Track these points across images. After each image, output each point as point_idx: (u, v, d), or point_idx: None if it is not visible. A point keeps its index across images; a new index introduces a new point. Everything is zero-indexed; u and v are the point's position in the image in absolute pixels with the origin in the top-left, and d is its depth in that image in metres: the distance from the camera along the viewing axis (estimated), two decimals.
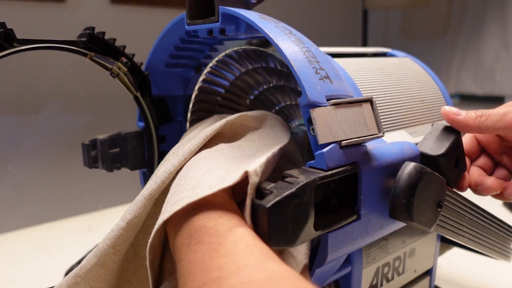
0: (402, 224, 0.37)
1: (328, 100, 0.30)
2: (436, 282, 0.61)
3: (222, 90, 0.48)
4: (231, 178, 0.27)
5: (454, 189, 0.39)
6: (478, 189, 0.40)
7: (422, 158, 0.38)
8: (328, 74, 0.32)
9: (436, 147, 0.38)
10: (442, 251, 0.71)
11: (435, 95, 0.47)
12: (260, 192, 0.27)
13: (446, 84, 2.48)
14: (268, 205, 0.25)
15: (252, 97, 0.48)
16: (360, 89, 0.39)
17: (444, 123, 0.42)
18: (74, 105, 1.38)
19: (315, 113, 0.29)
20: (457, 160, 0.40)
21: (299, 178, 0.28)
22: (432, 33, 2.55)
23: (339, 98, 0.31)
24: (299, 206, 0.26)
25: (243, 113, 0.38)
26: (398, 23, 2.67)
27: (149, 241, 0.29)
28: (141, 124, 0.48)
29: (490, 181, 0.39)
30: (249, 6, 0.37)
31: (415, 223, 0.33)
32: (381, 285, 0.44)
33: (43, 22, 1.60)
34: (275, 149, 0.33)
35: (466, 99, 2.42)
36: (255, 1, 0.37)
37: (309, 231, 0.28)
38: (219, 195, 0.29)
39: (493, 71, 2.27)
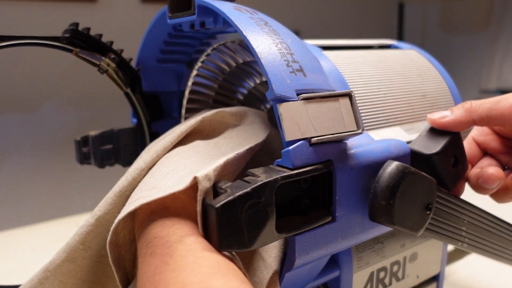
0: (389, 228, 0.34)
1: (298, 94, 0.29)
2: None
3: (215, 85, 0.47)
4: (184, 182, 0.26)
5: (450, 191, 0.36)
6: (479, 183, 0.36)
7: (415, 157, 0.36)
8: (302, 67, 0.30)
9: (431, 145, 0.35)
10: (460, 255, 0.67)
11: (440, 90, 0.44)
12: (216, 192, 0.26)
13: (487, 80, 2.35)
14: (218, 205, 0.24)
15: (245, 91, 0.46)
16: (349, 83, 0.37)
17: None
18: (71, 102, 1.41)
19: (282, 108, 0.28)
20: (455, 159, 0.37)
21: (260, 177, 0.26)
22: (472, 27, 2.43)
23: (313, 92, 0.29)
24: (255, 206, 0.25)
25: (221, 109, 0.36)
26: (436, 17, 2.56)
27: (108, 238, 0.28)
28: (135, 120, 0.47)
29: (492, 170, 0.35)
30: None
31: (398, 227, 0.30)
32: None
33: (76, 21, 1.65)
34: (242, 149, 0.31)
35: None
36: None
37: (270, 234, 0.26)
38: (180, 198, 0.28)
39: None
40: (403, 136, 0.37)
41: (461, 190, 0.37)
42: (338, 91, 0.30)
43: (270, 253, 0.31)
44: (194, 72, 0.45)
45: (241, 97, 0.47)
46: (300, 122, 0.28)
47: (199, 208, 0.25)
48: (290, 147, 0.27)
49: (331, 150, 0.29)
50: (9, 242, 0.75)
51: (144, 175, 0.33)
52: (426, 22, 2.61)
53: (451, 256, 0.67)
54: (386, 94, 0.39)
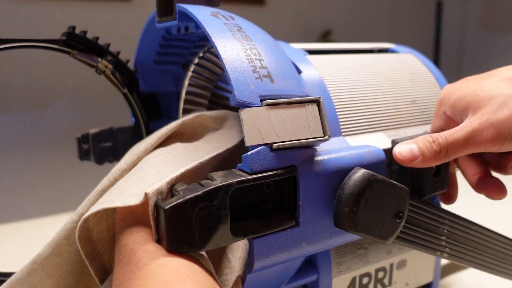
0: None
1: (262, 100, 0.29)
2: None
3: (210, 86, 0.48)
4: (139, 197, 0.27)
5: (426, 199, 0.35)
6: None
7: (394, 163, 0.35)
8: (271, 73, 0.31)
9: None
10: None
11: (433, 96, 0.43)
12: (172, 194, 0.27)
13: None
14: (167, 207, 0.25)
15: None
16: (331, 88, 0.37)
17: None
18: (73, 102, 1.46)
19: (243, 114, 0.28)
20: (437, 168, 0.36)
21: (216, 181, 0.27)
22: None
23: (278, 98, 0.30)
24: (207, 209, 0.26)
25: (202, 113, 0.37)
26: (477, 14, 2.46)
27: (76, 233, 0.30)
28: (134, 119, 0.49)
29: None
30: (212, 3, 0.37)
31: (363, 234, 0.30)
32: None
33: (111, 21, 1.71)
34: (207, 157, 0.32)
35: None
36: None
37: (225, 236, 0.27)
38: (146, 203, 0.29)
39: None
40: (386, 142, 0.37)
41: (452, 199, 0.36)
42: (305, 98, 0.31)
43: (235, 255, 0.31)
44: (189, 74, 0.47)
45: None
46: (262, 127, 0.28)
47: (152, 222, 0.26)
48: (249, 152, 0.28)
49: (295, 156, 0.30)
50: (8, 235, 0.77)
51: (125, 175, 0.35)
52: (466, 21, 2.51)
53: (456, 265, 0.65)
54: (371, 99, 0.39)
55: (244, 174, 0.28)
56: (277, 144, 0.29)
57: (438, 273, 0.48)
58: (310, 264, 0.39)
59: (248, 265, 0.30)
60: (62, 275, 0.35)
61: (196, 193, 0.25)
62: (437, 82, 0.44)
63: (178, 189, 0.26)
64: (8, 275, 0.41)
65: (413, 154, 0.32)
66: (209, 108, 0.49)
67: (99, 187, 0.34)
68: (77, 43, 0.42)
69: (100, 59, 0.43)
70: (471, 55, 2.53)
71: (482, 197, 0.37)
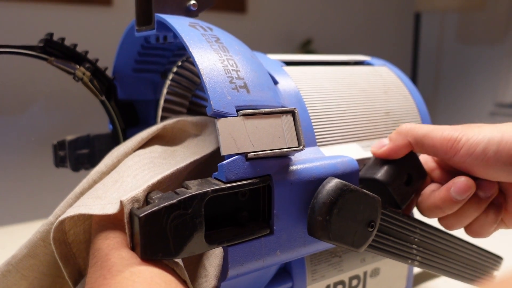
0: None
1: (238, 110, 0.30)
2: None
3: (189, 95, 0.48)
4: (115, 205, 0.27)
5: (401, 209, 0.36)
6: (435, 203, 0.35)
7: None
8: (247, 84, 0.31)
9: (376, 168, 0.36)
10: None
11: (406, 108, 0.44)
12: (147, 202, 0.27)
13: (503, 93, 2.31)
14: (141, 214, 0.25)
15: None
16: (307, 99, 0.38)
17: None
18: (52, 109, 1.45)
19: (220, 124, 0.29)
20: (409, 177, 0.37)
21: (191, 189, 0.27)
22: (490, 38, 2.39)
23: (255, 109, 0.30)
24: (182, 217, 0.26)
25: (183, 118, 0.38)
26: (454, 27, 2.53)
27: (51, 234, 0.30)
28: (112, 126, 0.49)
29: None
30: (190, 14, 0.37)
31: (336, 243, 0.31)
32: None
33: (91, 26, 1.70)
34: (183, 163, 0.33)
35: None
36: (195, 9, 0.37)
37: (199, 244, 0.27)
38: (122, 209, 0.29)
39: None
40: (359, 152, 0.38)
41: (410, 209, 0.37)
42: (281, 108, 0.31)
43: (212, 262, 0.32)
44: (168, 82, 0.47)
45: None
46: (237, 137, 0.29)
47: (127, 230, 0.26)
48: (224, 162, 0.28)
49: (270, 165, 0.30)
50: None
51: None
52: (443, 33, 2.58)
53: (430, 273, 0.66)
54: (345, 110, 0.40)
55: (220, 182, 0.28)
56: (252, 153, 0.29)
57: (411, 281, 0.49)
58: (285, 272, 0.39)
59: (223, 272, 0.30)
60: (38, 277, 0.35)
61: (171, 202, 0.26)
62: (410, 94, 0.46)
63: (153, 197, 0.27)
64: None
65: (382, 143, 0.35)
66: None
67: (77, 189, 0.34)
68: (55, 50, 0.42)
69: (78, 66, 0.43)
70: (448, 66, 2.60)
71: None
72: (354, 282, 0.43)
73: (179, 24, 0.33)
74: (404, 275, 0.48)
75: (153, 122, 0.51)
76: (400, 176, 0.36)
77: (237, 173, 0.29)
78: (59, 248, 0.31)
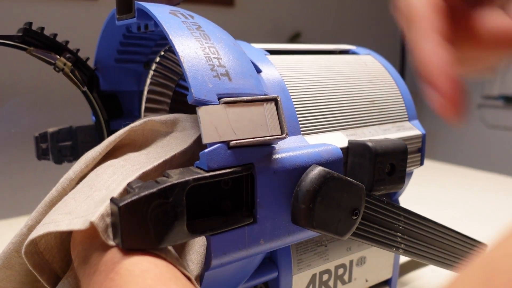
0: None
1: (220, 98, 0.29)
2: None
3: (173, 85, 0.47)
4: (84, 221, 0.26)
5: (381, 195, 0.36)
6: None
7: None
8: (228, 71, 0.31)
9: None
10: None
11: (392, 96, 0.44)
12: (127, 191, 0.27)
13: (490, 86, 2.33)
14: (121, 204, 0.24)
15: None
16: (290, 88, 0.38)
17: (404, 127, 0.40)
18: (32, 101, 1.43)
19: (201, 112, 0.28)
20: (392, 167, 0.38)
21: (172, 178, 0.27)
22: None
23: (236, 97, 0.30)
24: (162, 206, 0.26)
25: (151, 118, 0.37)
26: None
27: (22, 250, 0.29)
28: (94, 118, 0.48)
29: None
30: (171, 2, 0.37)
31: (320, 230, 0.31)
32: None
33: (76, 20, 1.67)
34: (150, 166, 0.32)
35: (511, 101, 2.27)
36: None
37: (180, 233, 0.27)
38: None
39: None
40: (343, 141, 0.38)
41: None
42: (263, 96, 0.31)
43: (194, 260, 0.31)
44: (151, 73, 0.46)
45: None
46: (219, 125, 0.29)
47: (109, 242, 0.26)
48: (206, 150, 0.28)
49: (253, 154, 0.30)
50: None
51: (74, 185, 0.34)
52: None
53: (417, 262, 0.67)
54: (330, 98, 0.40)
55: (201, 171, 0.28)
56: (234, 141, 0.29)
57: (397, 270, 0.49)
58: (270, 261, 0.39)
59: (206, 262, 0.30)
60: (17, 286, 0.35)
61: (151, 190, 0.25)
62: (395, 83, 0.46)
63: (134, 186, 0.26)
64: None
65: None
66: (172, 106, 0.49)
67: (47, 198, 0.34)
68: (34, 40, 0.41)
69: (59, 57, 0.43)
70: None
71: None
72: (340, 271, 0.43)
73: (159, 11, 0.33)
74: (390, 263, 0.48)
75: (137, 113, 0.51)
76: (382, 165, 0.36)
77: (219, 162, 0.28)
78: (32, 259, 0.31)
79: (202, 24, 0.34)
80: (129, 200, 0.25)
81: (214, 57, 0.31)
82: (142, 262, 0.25)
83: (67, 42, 0.43)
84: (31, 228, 0.33)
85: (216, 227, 0.29)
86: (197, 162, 0.29)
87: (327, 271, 0.42)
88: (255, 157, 0.30)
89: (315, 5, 2.28)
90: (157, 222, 0.26)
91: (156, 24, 0.35)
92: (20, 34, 0.40)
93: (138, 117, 0.51)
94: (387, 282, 0.49)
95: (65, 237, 0.34)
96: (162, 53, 0.43)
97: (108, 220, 0.26)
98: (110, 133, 0.48)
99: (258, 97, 0.31)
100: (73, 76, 0.44)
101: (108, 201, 0.26)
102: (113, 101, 0.48)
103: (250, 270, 0.36)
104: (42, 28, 0.41)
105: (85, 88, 0.45)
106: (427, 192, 0.95)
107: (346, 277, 0.44)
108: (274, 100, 0.31)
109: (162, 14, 0.32)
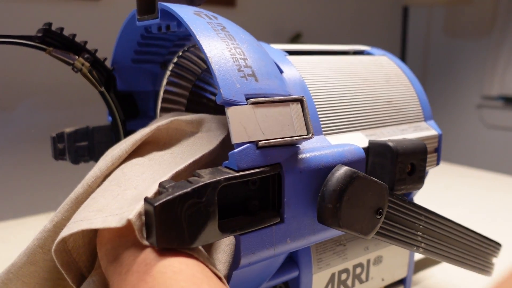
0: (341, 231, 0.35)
1: (248, 98, 0.29)
2: None
3: (189, 85, 0.48)
4: (120, 218, 0.27)
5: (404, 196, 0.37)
6: None
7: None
8: (255, 72, 0.31)
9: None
10: (437, 261, 0.67)
11: (408, 97, 0.45)
12: (160, 191, 0.27)
13: (489, 86, 2.34)
14: (157, 203, 0.25)
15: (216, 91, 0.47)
16: (311, 88, 0.38)
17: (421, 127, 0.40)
18: (46, 102, 1.43)
19: (230, 112, 0.29)
20: (412, 167, 0.38)
21: (204, 178, 0.27)
22: (476, 32, 2.42)
23: (263, 97, 0.30)
24: (196, 206, 0.26)
25: (177, 117, 0.37)
26: (441, 21, 2.55)
27: (53, 248, 0.30)
28: (111, 118, 0.48)
29: None
30: (194, 3, 0.37)
31: (345, 230, 0.31)
32: None
33: (78, 20, 1.67)
34: (183, 165, 0.32)
35: (510, 102, 2.28)
36: None
37: (212, 232, 0.27)
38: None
39: None
40: (363, 141, 0.38)
41: None
42: (289, 97, 0.31)
43: (221, 259, 0.31)
44: (168, 73, 0.46)
45: (212, 97, 0.47)
46: (248, 125, 0.29)
47: (144, 242, 0.26)
48: (236, 150, 0.28)
49: (280, 154, 0.30)
50: None
51: (100, 183, 0.34)
52: (430, 26, 2.60)
53: (428, 261, 0.67)
54: (349, 99, 0.40)
55: (231, 171, 0.28)
56: (263, 141, 0.29)
57: (412, 269, 0.50)
58: (291, 261, 0.39)
59: (234, 261, 0.30)
60: (39, 282, 0.35)
61: (185, 190, 0.25)
62: (411, 83, 0.46)
63: (166, 186, 0.26)
64: None
65: None
66: (188, 107, 0.49)
67: (73, 195, 0.34)
68: (53, 40, 0.41)
69: (77, 57, 0.43)
70: (436, 60, 2.62)
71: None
72: (358, 270, 0.44)
73: (184, 12, 0.33)
74: (406, 263, 0.48)
75: (152, 113, 0.51)
76: (403, 165, 0.37)
77: (248, 162, 0.28)
78: (60, 257, 0.31)
79: (226, 25, 0.34)
80: (164, 200, 0.25)
81: (240, 58, 0.31)
82: (174, 263, 0.25)
83: (85, 42, 0.43)
84: (56, 225, 0.33)
85: (245, 226, 0.29)
86: (226, 162, 0.29)
87: (346, 270, 0.43)
88: (282, 157, 0.30)
89: (316, 6, 2.28)
90: (190, 222, 0.26)
91: (179, 25, 0.35)
92: (40, 34, 0.40)
93: (153, 117, 0.51)
94: (402, 281, 0.49)
95: (92, 236, 0.34)
96: (180, 53, 0.44)
97: (144, 218, 0.26)
98: (126, 133, 0.48)
99: (284, 97, 0.31)
100: (91, 76, 0.44)
101: (141, 203, 0.26)
102: (129, 101, 0.48)
103: (274, 269, 0.36)
104: (62, 29, 0.41)
105: (102, 88, 0.45)
106: (427, 191, 0.96)
107: (363, 276, 0.44)
108: (300, 101, 0.31)
109: (187, 15, 0.32)
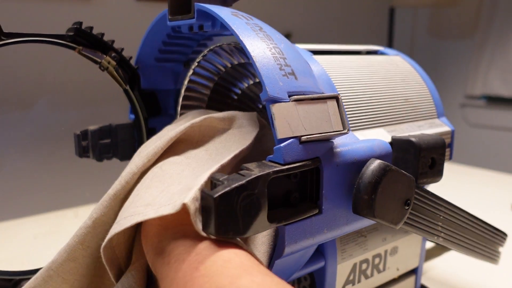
0: (371, 221, 0.37)
1: (290, 96, 0.31)
2: (428, 282, 0.61)
3: (211, 84, 0.49)
4: (174, 205, 0.28)
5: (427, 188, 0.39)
6: None
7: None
8: (294, 71, 0.33)
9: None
10: (439, 252, 0.70)
11: (422, 95, 0.47)
12: (213, 183, 0.28)
13: (472, 86, 2.41)
14: (216, 195, 0.26)
15: (239, 91, 0.49)
16: (337, 86, 0.40)
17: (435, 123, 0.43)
18: (65, 100, 1.44)
19: (275, 109, 0.30)
20: (433, 161, 0.40)
21: (254, 171, 0.29)
22: (460, 33, 2.48)
23: (303, 95, 0.32)
24: (250, 197, 0.27)
25: (210, 115, 0.38)
26: (426, 22, 2.61)
27: (103, 245, 0.31)
28: (132, 116, 0.49)
29: None
30: (226, 3, 0.38)
31: (378, 220, 0.33)
32: (359, 281, 0.44)
33: (70, 20, 1.66)
34: (226, 159, 0.34)
35: (492, 101, 2.35)
36: None
37: (263, 223, 0.29)
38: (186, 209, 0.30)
39: None
40: (386, 137, 0.40)
41: None
42: (326, 94, 0.33)
43: (260, 249, 0.33)
44: (191, 72, 0.48)
45: (235, 96, 0.49)
46: (291, 121, 0.30)
47: (197, 228, 0.27)
48: (282, 144, 0.30)
49: (319, 148, 0.32)
50: (13, 231, 0.79)
51: (137, 179, 0.35)
52: (415, 27, 2.66)
53: (430, 253, 0.70)
54: (371, 97, 0.42)
55: (277, 165, 0.30)
56: (305, 136, 0.31)
57: (423, 259, 0.52)
58: (317, 252, 0.41)
59: (279, 250, 0.32)
60: (77, 279, 0.36)
61: (241, 182, 0.27)
62: (424, 82, 0.48)
63: (220, 179, 0.28)
64: (15, 273, 0.40)
65: None
66: (208, 105, 0.50)
67: (111, 191, 0.35)
68: (83, 39, 0.42)
69: (105, 56, 0.44)
70: (420, 60, 2.68)
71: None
72: (377, 260, 0.46)
73: (223, 13, 0.34)
74: (418, 253, 0.51)
75: (172, 111, 0.52)
76: (425, 158, 0.39)
77: (292, 156, 0.30)
78: (106, 253, 0.32)
79: (262, 25, 0.35)
80: (222, 191, 0.26)
81: (280, 57, 0.33)
82: (223, 253, 0.27)
83: (113, 41, 0.44)
84: (95, 221, 0.34)
85: (289, 217, 0.31)
86: (270, 156, 0.31)
87: (366, 261, 0.45)
88: (320, 151, 0.32)
89: (305, 6, 2.31)
90: (244, 212, 0.27)
91: (213, 25, 0.37)
92: (71, 33, 0.41)
93: (173, 115, 0.52)
94: (414, 270, 0.52)
95: (130, 233, 0.35)
96: (206, 52, 0.45)
97: (197, 204, 0.27)
98: (148, 130, 0.49)
99: (322, 94, 0.33)
100: (117, 75, 0.45)
101: (196, 188, 0.28)
102: (152, 99, 0.49)
103: (306, 259, 0.37)
104: (91, 28, 0.42)
105: (127, 86, 0.46)
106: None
107: (381, 266, 0.46)
108: (336, 98, 0.33)
109: (226, 15, 0.34)
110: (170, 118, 0.52)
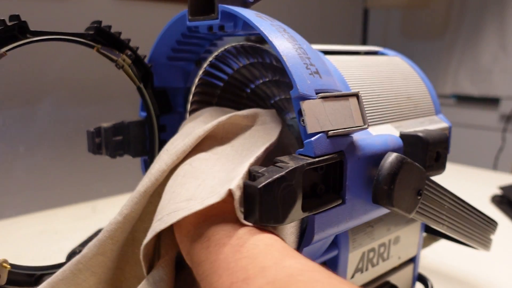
0: (385, 211, 0.39)
1: (317, 93, 0.33)
2: (421, 270, 0.64)
3: (221, 83, 0.50)
4: (219, 194, 0.30)
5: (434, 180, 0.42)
6: None
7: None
8: (318, 70, 0.35)
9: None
10: (428, 242, 0.74)
11: (422, 93, 0.50)
12: (252, 175, 0.30)
13: (443, 85, 2.50)
14: (260, 186, 0.28)
15: (249, 90, 0.50)
16: (349, 85, 0.42)
17: (435, 120, 0.45)
18: (77, 96, 1.42)
19: (305, 105, 0.32)
20: (437, 154, 0.43)
21: (289, 163, 0.30)
22: (431, 34, 2.57)
23: (327, 92, 0.34)
24: (288, 188, 0.29)
25: (235, 113, 0.40)
26: (398, 23, 2.69)
27: (144, 242, 0.32)
28: (143, 113, 0.50)
29: None
30: (247, 5, 0.40)
31: (396, 209, 0.36)
32: (366, 269, 0.47)
33: (47, 17, 1.62)
34: (260, 151, 0.35)
35: (462, 100, 2.45)
36: (252, 0, 0.39)
37: (298, 212, 0.30)
38: (226, 199, 0.31)
39: (490, 72, 2.30)
40: (394, 132, 0.43)
41: None
42: (347, 92, 0.35)
43: (289, 239, 0.35)
44: (202, 70, 0.49)
45: (244, 95, 0.51)
46: (319, 117, 0.32)
47: (238, 214, 0.29)
48: (312, 139, 0.32)
49: (343, 142, 0.34)
50: (32, 225, 0.81)
51: (167, 177, 0.37)
52: (388, 28, 2.73)
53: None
54: (378, 95, 0.45)
55: (308, 157, 0.32)
56: (332, 131, 0.33)
57: (420, 248, 0.55)
58: (331, 241, 0.43)
59: (308, 238, 0.34)
60: (104, 271, 0.37)
61: (281, 174, 0.29)
62: (422, 81, 0.51)
63: (260, 171, 0.30)
64: (37, 269, 0.41)
65: None
66: (217, 103, 0.52)
67: (141, 188, 0.36)
68: (102, 38, 0.43)
69: (121, 54, 0.44)
70: None
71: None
72: (382, 249, 0.48)
73: (249, 14, 0.36)
74: (416, 242, 0.54)
75: (181, 109, 0.53)
76: (432, 152, 0.42)
77: (321, 149, 0.32)
78: (144, 250, 0.33)
79: (285, 27, 0.37)
80: (265, 182, 0.28)
81: (305, 57, 0.35)
82: (264, 238, 0.29)
83: (129, 40, 0.45)
84: (126, 217, 0.36)
85: (318, 207, 0.33)
86: (301, 150, 0.33)
87: (373, 250, 0.47)
88: (344, 145, 0.34)
89: (279, 7, 2.34)
90: (283, 202, 0.29)
91: (235, 26, 0.38)
92: (91, 32, 0.41)
93: (182, 113, 0.53)
94: (412, 259, 0.55)
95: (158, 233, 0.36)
96: (220, 52, 0.46)
97: (239, 192, 0.29)
98: (159, 127, 0.50)
99: (344, 92, 0.35)
100: (131, 73, 0.46)
101: (239, 177, 0.30)
102: (163, 97, 0.50)
103: (325, 247, 0.40)
104: (109, 27, 0.43)
105: (141, 84, 0.47)
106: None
107: (385, 255, 0.49)
108: (356, 95, 0.35)
109: (252, 17, 0.36)
110: (178, 116, 0.53)
